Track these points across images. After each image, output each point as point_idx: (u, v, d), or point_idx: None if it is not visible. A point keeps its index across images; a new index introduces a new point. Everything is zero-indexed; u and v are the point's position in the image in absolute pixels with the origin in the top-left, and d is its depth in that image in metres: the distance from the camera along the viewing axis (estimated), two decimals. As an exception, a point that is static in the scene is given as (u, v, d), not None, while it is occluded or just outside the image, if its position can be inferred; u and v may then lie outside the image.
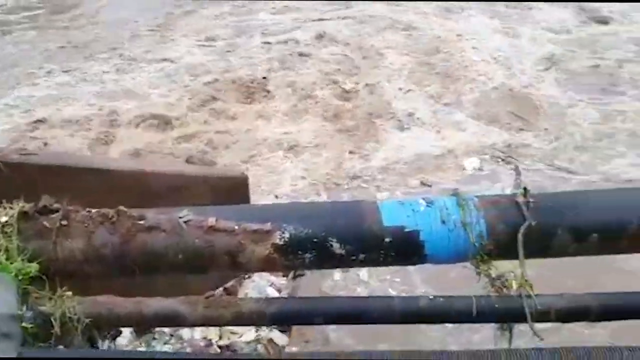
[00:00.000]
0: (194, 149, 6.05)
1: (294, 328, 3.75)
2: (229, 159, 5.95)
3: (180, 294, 1.78)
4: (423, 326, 3.27)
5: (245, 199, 3.72)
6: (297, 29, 8.54)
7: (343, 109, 6.78)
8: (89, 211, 1.70)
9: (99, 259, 1.66)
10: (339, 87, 7.17)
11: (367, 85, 7.25)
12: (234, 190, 3.61)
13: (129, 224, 1.68)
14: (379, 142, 6.21)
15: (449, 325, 3.33)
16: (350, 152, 6.08)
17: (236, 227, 1.73)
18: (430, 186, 5.48)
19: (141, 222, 1.69)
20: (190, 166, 5.25)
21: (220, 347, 3.60)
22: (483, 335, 3.32)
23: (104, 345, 3.27)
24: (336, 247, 1.74)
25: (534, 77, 7.29)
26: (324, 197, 5.37)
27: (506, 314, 1.74)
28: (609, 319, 1.83)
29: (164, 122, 6.48)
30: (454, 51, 7.91)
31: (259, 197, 5.14)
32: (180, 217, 1.72)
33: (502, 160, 5.75)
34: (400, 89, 7.17)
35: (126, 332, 3.50)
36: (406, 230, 1.76)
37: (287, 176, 5.70)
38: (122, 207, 1.70)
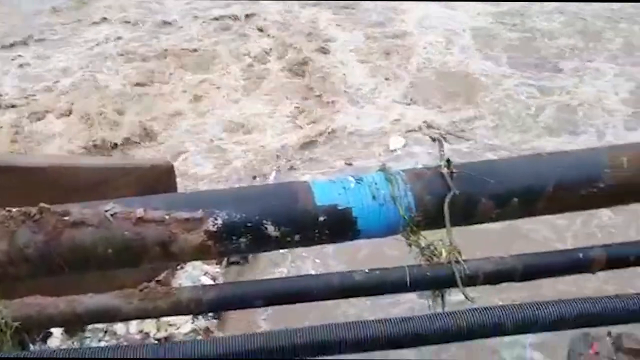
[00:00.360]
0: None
1: (228, 319, 3.75)
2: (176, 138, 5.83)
3: (111, 290, 1.73)
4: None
5: (173, 188, 3.64)
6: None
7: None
8: (9, 210, 1.61)
9: (24, 259, 1.58)
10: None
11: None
12: (160, 180, 3.52)
13: (53, 221, 1.61)
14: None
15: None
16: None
17: (166, 217, 1.70)
18: (350, 164, 5.53)
19: (66, 218, 1.62)
20: (112, 158, 5.07)
21: (157, 339, 3.55)
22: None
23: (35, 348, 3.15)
24: (271, 229, 1.74)
25: (469, 51, 7.36)
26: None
27: (438, 281, 1.81)
28: (533, 278, 1.94)
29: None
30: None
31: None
32: (106, 210, 1.67)
33: (432, 138, 5.85)
34: (341, 62, 7.16)
35: (57, 332, 3.38)
36: (339, 208, 1.79)
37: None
38: (44, 204, 1.63)
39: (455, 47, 7.41)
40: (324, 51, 7.39)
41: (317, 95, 6.61)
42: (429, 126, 5.86)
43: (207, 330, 3.73)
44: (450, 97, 6.52)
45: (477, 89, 6.62)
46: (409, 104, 6.44)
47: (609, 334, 1.44)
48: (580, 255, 1.90)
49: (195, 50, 7.41)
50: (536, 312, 1.61)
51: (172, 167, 3.80)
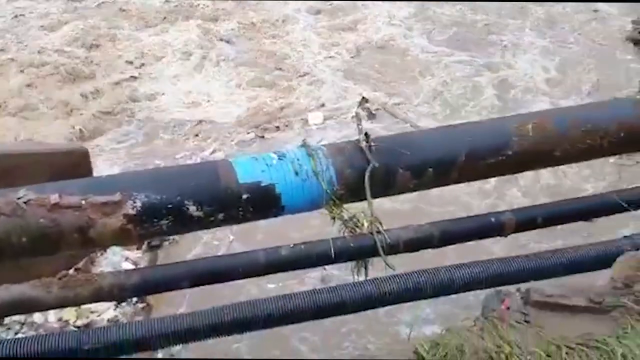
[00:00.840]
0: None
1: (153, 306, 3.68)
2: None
3: (28, 280, 1.66)
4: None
5: (88, 174, 3.50)
6: None
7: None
8: None
9: None
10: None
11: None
12: (74, 166, 3.37)
13: (-40, 212, 1.52)
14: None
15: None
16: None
17: (83, 202, 1.64)
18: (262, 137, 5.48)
19: (-27, 207, 1.54)
20: (24, 143, 4.79)
21: (77, 327, 3.43)
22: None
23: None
24: (193, 209, 1.73)
25: (404, 29, 7.08)
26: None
27: (361, 251, 1.87)
28: (450, 243, 2.04)
29: None
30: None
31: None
32: (18, 198, 1.59)
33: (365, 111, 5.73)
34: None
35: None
36: (262, 184, 1.79)
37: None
38: (-52, 195, 1.53)
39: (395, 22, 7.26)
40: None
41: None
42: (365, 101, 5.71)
43: (132, 315, 3.64)
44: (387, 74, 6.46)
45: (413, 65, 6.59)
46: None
47: (519, 290, 1.55)
48: (493, 219, 2.02)
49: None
50: (452, 274, 1.69)
51: (87, 152, 3.65)
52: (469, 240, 2.05)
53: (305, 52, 6.67)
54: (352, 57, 6.59)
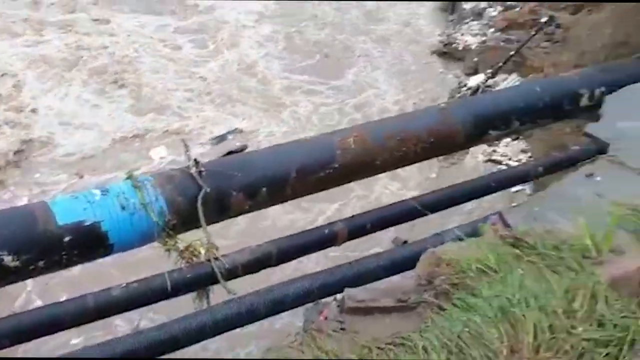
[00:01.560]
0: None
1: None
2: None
3: None
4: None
5: None
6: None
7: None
8: None
9: None
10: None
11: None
12: None
13: None
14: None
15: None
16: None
17: None
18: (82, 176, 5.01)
19: None
20: None
21: None
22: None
23: None
24: (8, 260, 1.58)
25: (256, 52, 6.57)
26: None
27: (199, 281, 1.83)
28: (289, 259, 2.08)
29: None
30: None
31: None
32: None
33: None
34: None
35: None
36: (86, 224, 1.69)
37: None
38: None
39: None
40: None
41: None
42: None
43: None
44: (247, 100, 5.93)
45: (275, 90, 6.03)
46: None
47: (335, 299, 1.61)
48: (326, 231, 2.09)
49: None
50: (285, 291, 1.73)
51: None
52: (307, 254, 2.10)
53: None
54: (213, 82, 6.09)
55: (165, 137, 5.22)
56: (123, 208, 1.77)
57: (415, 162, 2.31)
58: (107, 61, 6.05)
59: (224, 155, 4.45)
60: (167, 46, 6.50)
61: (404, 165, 2.31)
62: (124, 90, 5.70)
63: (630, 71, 2.74)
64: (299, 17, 7.27)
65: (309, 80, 6.10)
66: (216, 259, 1.84)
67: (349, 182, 2.26)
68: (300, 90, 5.95)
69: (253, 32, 6.94)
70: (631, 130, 2.13)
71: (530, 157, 4.08)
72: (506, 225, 1.65)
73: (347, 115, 5.49)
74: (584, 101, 2.58)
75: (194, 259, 1.86)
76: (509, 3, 5.98)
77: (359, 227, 2.12)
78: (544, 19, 4.89)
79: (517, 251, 1.45)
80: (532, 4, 5.50)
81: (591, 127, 2.31)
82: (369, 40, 6.84)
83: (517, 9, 5.79)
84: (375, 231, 2.17)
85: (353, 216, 2.19)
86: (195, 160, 1.95)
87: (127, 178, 1.87)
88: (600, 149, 2.15)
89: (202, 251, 1.86)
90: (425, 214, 2.18)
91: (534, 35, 4.70)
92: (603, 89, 2.57)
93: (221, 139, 5.09)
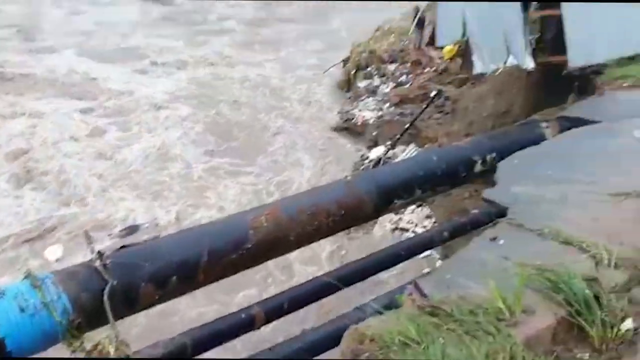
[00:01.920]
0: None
1: None
2: None
3: None
4: None
5: None
6: None
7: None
8: None
9: None
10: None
11: None
12: None
13: None
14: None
15: None
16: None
17: None
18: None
19: None
20: None
21: None
22: None
23: None
24: None
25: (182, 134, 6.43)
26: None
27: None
28: (206, 350, 1.98)
29: None
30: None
31: None
32: None
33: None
34: None
35: None
36: (-21, 332, 1.53)
37: None
38: None
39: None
40: None
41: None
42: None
43: None
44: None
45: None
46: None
47: None
48: (243, 315, 2.03)
49: None
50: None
51: None
52: (225, 342, 2.02)
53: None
54: (130, 168, 5.77)
55: (70, 230, 4.85)
56: (22, 310, 1.64)
57: (329, 235, 2.33)
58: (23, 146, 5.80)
59: (117, 250, 4.13)
60: (81, 130, 6.32)
61: (318, 239, 2.32)
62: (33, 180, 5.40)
63: (514, 137, 2.97)
64: (214, 99, 7.33)
65: (231, 162, 5.95)
66: (127, 357, 1.72)
67: (265, 261, 2.23)
68: (223, 171, 5.79)
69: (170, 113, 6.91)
70: (524, 195, 2.28)
71: (434, 222, 4.24)
72: (422, 294, 1.67)
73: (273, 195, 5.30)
74: (478, 167, 2.75)
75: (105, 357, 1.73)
76: (399, 80, 6.36)
77: (277, 308, 2.08)
78: (433, 93, 5.24)
79: (436, 320, 1.47)
80: (420, 79, 5.89)
81: (488, 193, 2.44)
82: (280, 116, 6.95)
83: (407, 85, 6.18)
84: (293, 310, 2.13)
85: (268, 298, 2.15)
86: (99, 252, 1.86)
87: (26, 277, 1.73)
88: (498, 212, 2.27)
89: (112, 350, 1.74)
90: (341, 288, 2.18)
91: (425, 108, 5.01)
92: (494, 154, 2.76)
93: (132, 230, 4.78)
